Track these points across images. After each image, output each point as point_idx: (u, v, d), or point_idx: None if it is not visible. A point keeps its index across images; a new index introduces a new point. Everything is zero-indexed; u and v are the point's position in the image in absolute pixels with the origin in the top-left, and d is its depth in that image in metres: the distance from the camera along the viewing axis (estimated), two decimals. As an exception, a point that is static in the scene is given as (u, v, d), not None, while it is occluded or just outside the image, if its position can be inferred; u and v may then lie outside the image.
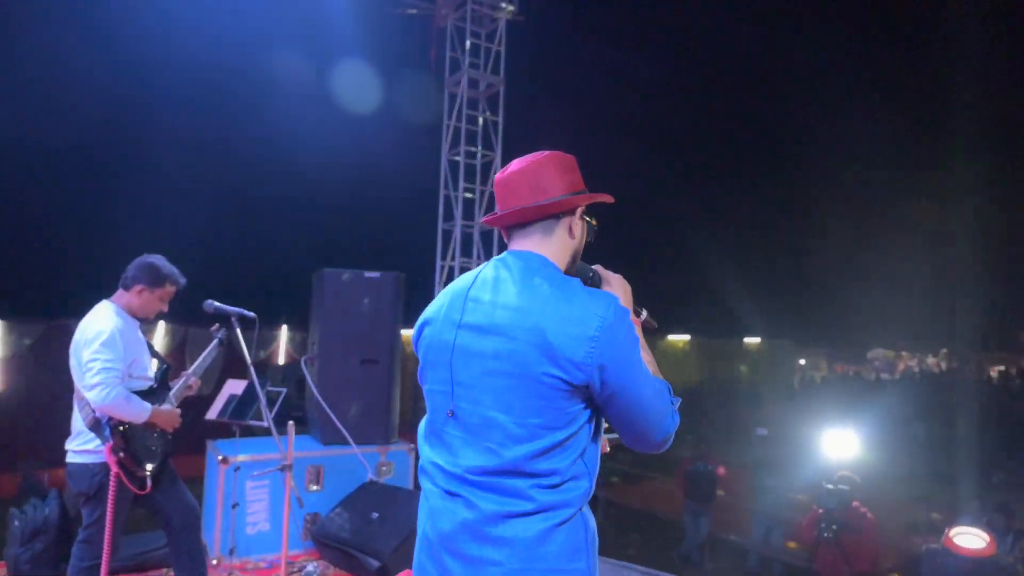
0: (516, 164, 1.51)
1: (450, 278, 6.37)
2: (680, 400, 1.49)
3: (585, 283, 1.54)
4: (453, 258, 6.29)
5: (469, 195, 6.56)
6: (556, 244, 1.50)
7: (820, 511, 5.37)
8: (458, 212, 6.19)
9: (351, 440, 4.35)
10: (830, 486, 5.43)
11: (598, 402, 1.39)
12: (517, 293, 1.39)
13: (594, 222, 1.60)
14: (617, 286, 1.60)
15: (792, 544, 6.98)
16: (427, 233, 6.67)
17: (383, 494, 4.24)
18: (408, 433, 4.88)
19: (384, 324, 4.80)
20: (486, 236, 6.54)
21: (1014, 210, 24.35)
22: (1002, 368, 24.76)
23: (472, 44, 6.41)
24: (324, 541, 4.14)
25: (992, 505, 7.45)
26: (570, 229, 1.52)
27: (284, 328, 12.86)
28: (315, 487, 4.52)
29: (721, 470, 8.08)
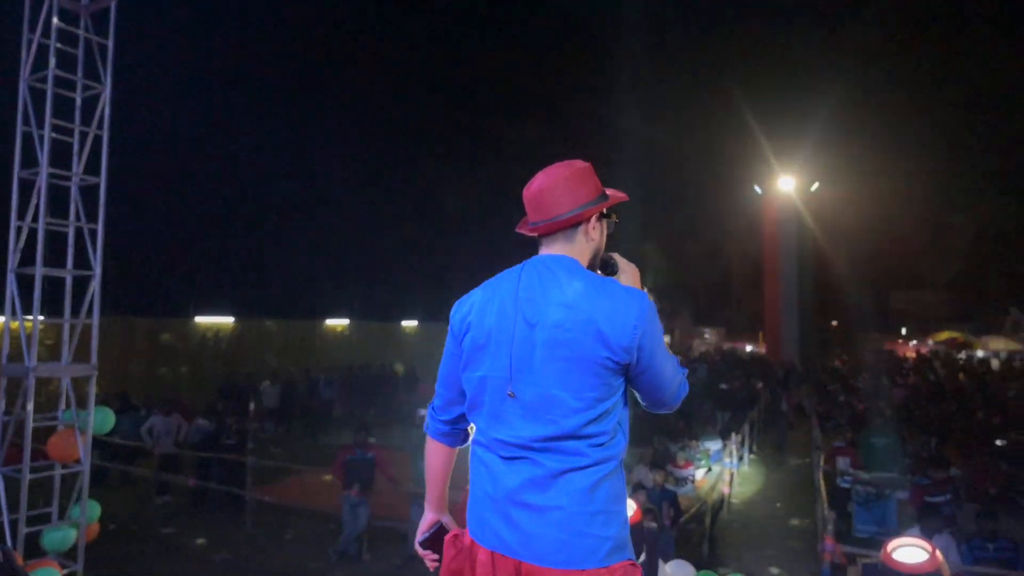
0: (538, 180, 1.79)
1: (31, 243, 4.78)
2: (687, 370, 1.84)
3: (605, 267, 1.90)
4: (36, 218, 4.73)
5: (63, 136, 5.02)
6: (578, 247, 1.80)
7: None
8: (43, 157, 4.66)
9: None
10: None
11: (632, 375, 1.70)
12: (564, 292, 1.68)
13: (614, 218, 1.89)
14: (630, 271, 1.91)
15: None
16: (-1, 183, 4.95)
17: None
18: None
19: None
20: (89, 192, 5.08)
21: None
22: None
23: (67, -62, 4.93)
24: None
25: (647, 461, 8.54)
26: (587, 233, 1.81)
27: None
28: None
29: (380, 456, 7.80)
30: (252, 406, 9.86)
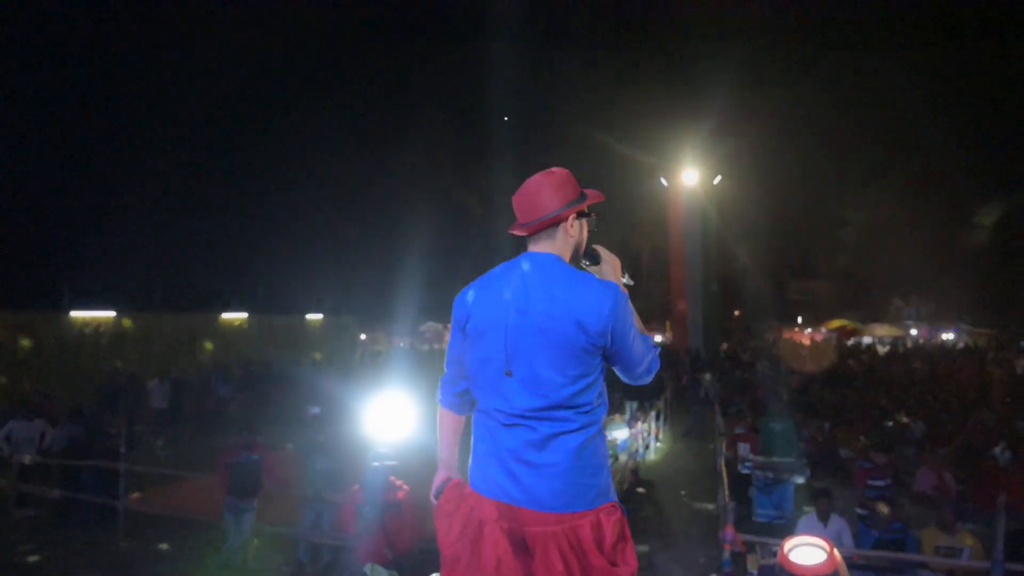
0: (522, 188, 2.10)
1: None
2: (659, 348, 2.17)
3: (590, 258, 2.24)
4: None
5: None
6: (559, 244, 2.10)
7: (361, 492, 4.92)
8: None
9: None
10: (376, 464, 5.02)
11: (608, 355, 2.02)
12: (548, 286, 1.99)
13: (593, 216, 2.20)
14: (612, 261, 2.26)
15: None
16: None
17: None
18: None
19: None
20: None
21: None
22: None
23: None
24: None
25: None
26: (567, 231, 2.11)
27: None
28: None
29: (267, 457, 7.22)
30: (132, 407, 9.00)
